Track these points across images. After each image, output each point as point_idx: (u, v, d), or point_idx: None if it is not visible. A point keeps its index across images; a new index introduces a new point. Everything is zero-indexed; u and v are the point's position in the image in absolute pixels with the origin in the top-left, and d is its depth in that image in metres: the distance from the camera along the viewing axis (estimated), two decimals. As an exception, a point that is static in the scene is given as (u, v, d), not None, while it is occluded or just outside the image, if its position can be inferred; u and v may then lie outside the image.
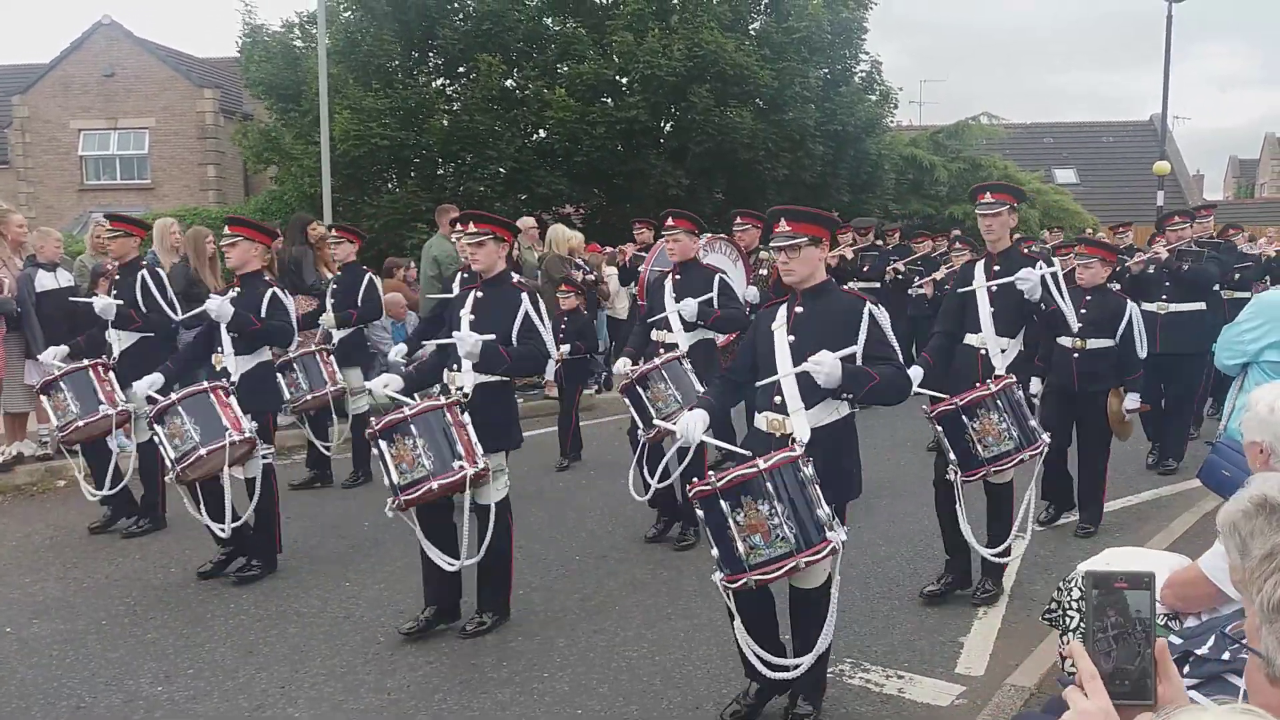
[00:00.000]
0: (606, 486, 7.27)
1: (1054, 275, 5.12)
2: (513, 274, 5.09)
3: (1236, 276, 9.17)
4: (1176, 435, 7.94)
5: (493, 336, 4.59)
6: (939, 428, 4.80)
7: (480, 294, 4.83)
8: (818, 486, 3.43)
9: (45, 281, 7.54)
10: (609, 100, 17.30)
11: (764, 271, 8.18)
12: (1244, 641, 1.56)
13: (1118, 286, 10.42)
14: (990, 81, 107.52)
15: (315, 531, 6.38)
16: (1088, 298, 6.29)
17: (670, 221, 6.26)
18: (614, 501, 6.85)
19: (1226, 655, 2.41)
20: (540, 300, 4.90)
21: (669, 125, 18.03)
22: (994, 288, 5.15)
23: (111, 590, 5.38)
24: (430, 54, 18.28)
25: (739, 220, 8.21)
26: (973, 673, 4.36)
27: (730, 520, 3.36)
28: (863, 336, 3.68)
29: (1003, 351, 5.09)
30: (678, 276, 6.19)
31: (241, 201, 23.29)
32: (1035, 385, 6.28)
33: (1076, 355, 6.28)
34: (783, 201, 19.22)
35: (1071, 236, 15.08)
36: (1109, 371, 6.27)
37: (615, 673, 4.32)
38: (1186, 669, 2.31)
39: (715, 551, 3.43)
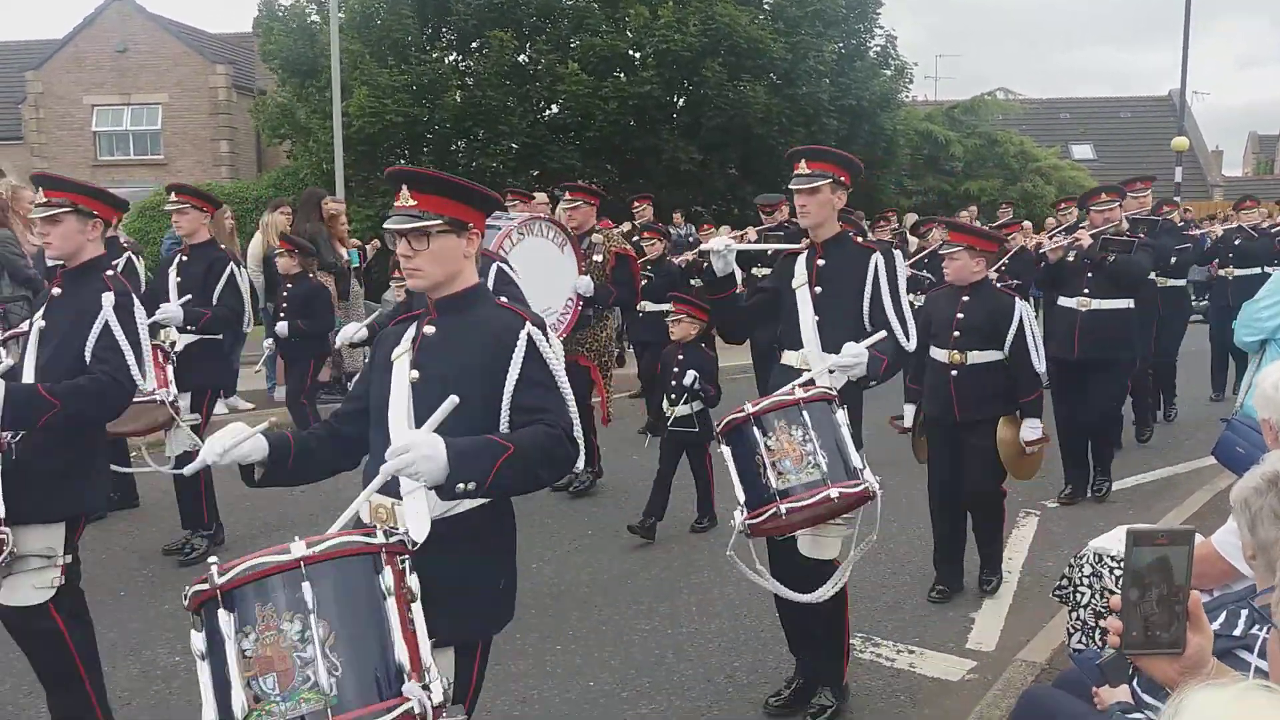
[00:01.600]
0: (617, 463, 7.30)
1: (887, 269, 3.71)
2: (108, 265, 3.60)
3: (1174, 260, 8.11)
4: (1101, 457, 6.63)
5: (8, 364, 3.28)
6: (726, 449, 3.40)
7: (58, 291, 3.45)
8: (412, 619, 2.01)
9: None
10: (622, 75, 17.22)
11: (599, 258, 6.56)
12: (1272, 617, 1.56)
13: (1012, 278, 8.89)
14: (1007, 57, 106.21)
15: (326, 495, 6.43)
16: (965, 298, 4.89)
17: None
18: (625, 479, 6.88)
19: (1238, 631, 2.41)
20: (133, 305, 3.43)
21: (682, 100, 17.95)
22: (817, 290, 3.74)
23: (129, 562, 5.46)
24: (444, 29, 18.21)
25: (567, 196, 6.83)
26: (984, 648, 4.39)
27: (231, 652, 1.90)
28: (514, 372, 2.38)
29: (831, 373, 3.59)
30: None
31: (255, 177, 23.33)
32: (908, 414, 5.16)
33: (955, 373, 4.83)
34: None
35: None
36: (997, 393, 4.82)
37: (627, 646, 4.35)
38: (1198, 644, 2.32)
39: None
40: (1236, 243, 9.43)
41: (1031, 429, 4.81)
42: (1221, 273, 9.57)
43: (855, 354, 3.41)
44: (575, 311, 6.19)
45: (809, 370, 3.60)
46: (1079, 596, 3.39)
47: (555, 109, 17.61)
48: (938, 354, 4.90)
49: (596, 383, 6.59)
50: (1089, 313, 6.34)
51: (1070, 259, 6.46)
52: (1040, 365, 4.87)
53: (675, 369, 5.80)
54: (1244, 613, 2.45)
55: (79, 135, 24.95)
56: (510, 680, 4.07)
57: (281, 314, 7.28)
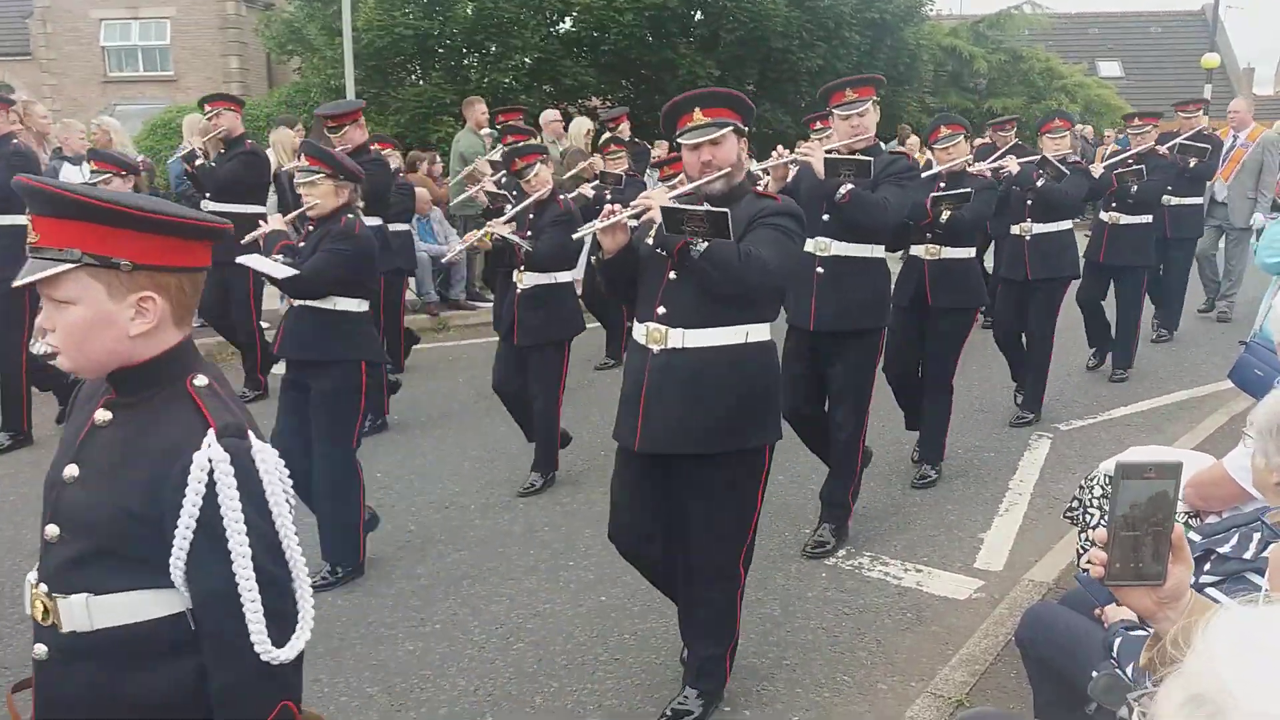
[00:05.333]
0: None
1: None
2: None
3: (943, 216, 5.08)
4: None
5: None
6: None
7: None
8: None
9: (70, 174, 7.56)
10: (637, -16, 16.77)
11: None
12: None
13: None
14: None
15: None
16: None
17: None
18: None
19: (1249, 554, 2.42)
20: None
21: (699, 12, 17.50)
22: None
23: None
24: (453, -63, 17.70)
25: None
26: (991, 568, 4.43)
27: None
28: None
29: None
30: None
31: (265, 94, 23.00)
32: None
33: None
34: (815, 94, 18.75)
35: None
36: None
37: (639, 562, 4.42)
38: (1208, 567, 2.33)
39: None
40: (1039, 183, 6.24)
41: None
42: (1016, 230, 6.43)
43: None
44: None
45: None
46: (1089, 518, 3.41)
47: (569, 22, 17.20)
48: None
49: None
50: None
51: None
52: None
53: None
54: (1256, 535, 2.46)
55: (88, 50, 24.56)
56: (525, 595, 4.15)
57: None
